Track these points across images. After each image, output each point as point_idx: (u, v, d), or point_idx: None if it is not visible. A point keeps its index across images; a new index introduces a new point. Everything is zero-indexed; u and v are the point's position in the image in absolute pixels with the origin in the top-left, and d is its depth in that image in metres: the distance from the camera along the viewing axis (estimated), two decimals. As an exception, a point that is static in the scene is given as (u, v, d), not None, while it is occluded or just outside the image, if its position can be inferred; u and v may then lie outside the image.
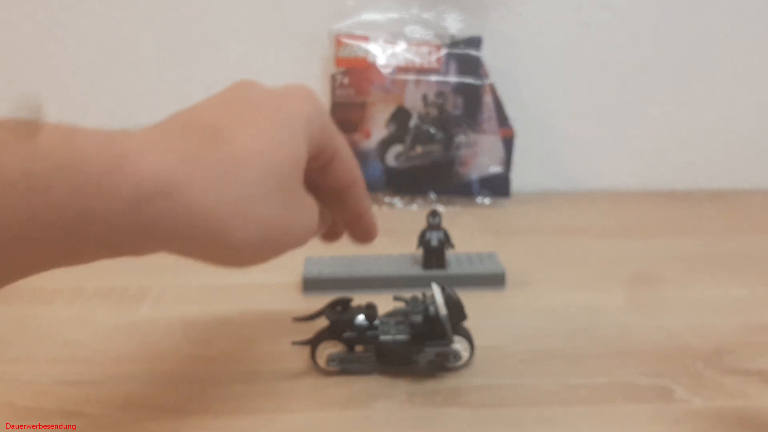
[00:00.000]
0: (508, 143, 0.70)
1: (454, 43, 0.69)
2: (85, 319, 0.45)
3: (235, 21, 0.71)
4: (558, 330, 0.43)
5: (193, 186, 0.26)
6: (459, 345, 0.38)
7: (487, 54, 0.69)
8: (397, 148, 0.70)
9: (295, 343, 0.39)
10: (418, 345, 0.37)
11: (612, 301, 0.47)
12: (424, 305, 0.38)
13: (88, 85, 0.73)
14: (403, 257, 0.52)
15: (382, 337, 0.37)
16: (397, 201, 0.70)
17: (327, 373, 0.38)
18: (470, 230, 0.63)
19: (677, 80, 0.73)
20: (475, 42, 0.69)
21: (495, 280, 0.50)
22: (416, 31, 0.70)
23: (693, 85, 0.73)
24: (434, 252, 0.50)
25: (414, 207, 0.69)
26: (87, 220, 0.23)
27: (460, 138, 0.69)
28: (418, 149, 0.70)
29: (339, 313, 0.38)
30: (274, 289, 0.49)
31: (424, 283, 0.49)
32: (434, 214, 0.50)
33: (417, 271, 0.50)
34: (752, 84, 0.73)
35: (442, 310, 0.37)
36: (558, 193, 0.75)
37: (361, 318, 0.38)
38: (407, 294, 0.40)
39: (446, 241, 0.50)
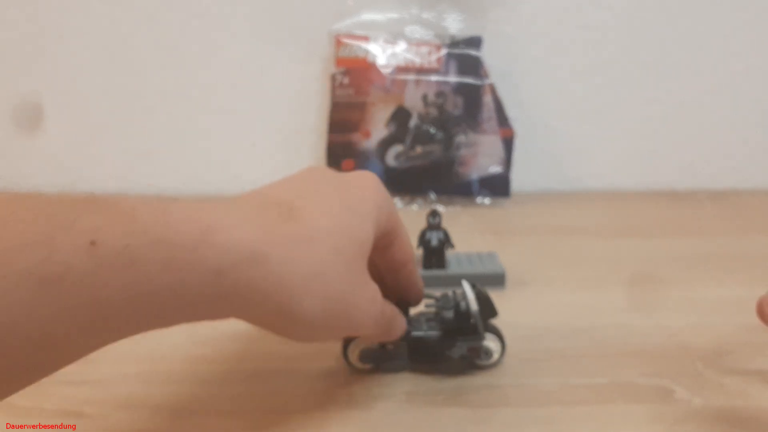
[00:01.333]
0: (508, 143, 0.70)
1: (454, 43, 0.69)
2: (85, 319, 0.45)
3: (235, 21, 0.71)
4: (558, 330, 0.44)
5: (271, 257, 0.27)
6: (490, 342, 0.38)
7: (487, 54, 0.69)
8: (397, 148, 0.70)
9: None
10: (449, 340, 0.38)
11: (612, 301, 0.47)
12: (455, 301, 0.38)
13: (88, 85, 0.73)
14: (403, 257, 0.52)
15: (414, 333, 0.38)
16: (398, 201, 0.70)
17: (359, 370, 0.38)
18: (470, 230, 0.63)
19: (677, 80, 0.73)
20: (475, 42, 0.69)
21: (495, 280, 0.50)
22: (416, 31, 0.70)
23: (693, 85, 0.73)
24: (434, 252, 0.50)
25: (414, 207, 0.69)
26: (175, 289, 0.25)
27: (460, 138, 0.69)
28: (418, 149, 0.70)
29: None
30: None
31: (424, 282, 0.49)
32: (434, 214, 0.50)
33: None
34: (752, 84, 0.73)
35: (474, 306, 0.37)
36: (558, 193, 0.75)
37: None
38: (437, 292, 0.40)
39: (446, 241, 0.50)
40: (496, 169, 0.70)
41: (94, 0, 0.70)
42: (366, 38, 0.69)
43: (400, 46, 0.69)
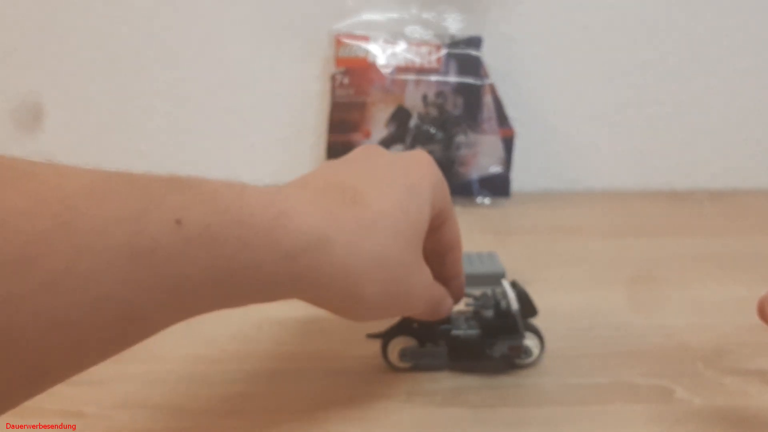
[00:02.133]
0: (508, 143, 0.70)
1: (454, 43, 0.69)
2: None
3: (235, 21, 0.71)
4: (558, 330, 0.43)
5: (337, 243, 0.28)
6: (530, 341, 0.38)
7: (487, 54, 0.69)
8: (397, 148, 0.70)
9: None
10: (490, 339, 0.38)
11: (612, 301, 0.47)
12: (494, 300, 0.38)
13: (88, 85, 0.73)
14: (403, 257, 0.52)
15: (454, 331, 0.38)
16: (397, 201, 0.70)
17: (398, 369, 0.38)
18: (470, 230, 0.62)
19: (677, 80, 0.73)
20: (475, 42, 0.69)
21: (495, 280, 0.50)
22: (416, 31, 0.70)
23: (693, 85, 0.73)
24: (434, 252, 0.50)
25: (414, 207, 0.69)
26: (251, 270, 0.26)
27: (460, 138, 0.69)
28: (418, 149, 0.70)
29: None
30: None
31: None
32: (434, 214, 0.50)
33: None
34: (752, 84, 0.73)
35: (514, 305, 0.37)
36: (558, 193, 0.75)
37: None
38: (476, 291, 0.40)
39: (446, 241, 0.50)
40: (496, 169, 0.70)
41: (94, 0, 0.70)
42: (366, 38, 0.69)
43: (400, 46, 0.69)
